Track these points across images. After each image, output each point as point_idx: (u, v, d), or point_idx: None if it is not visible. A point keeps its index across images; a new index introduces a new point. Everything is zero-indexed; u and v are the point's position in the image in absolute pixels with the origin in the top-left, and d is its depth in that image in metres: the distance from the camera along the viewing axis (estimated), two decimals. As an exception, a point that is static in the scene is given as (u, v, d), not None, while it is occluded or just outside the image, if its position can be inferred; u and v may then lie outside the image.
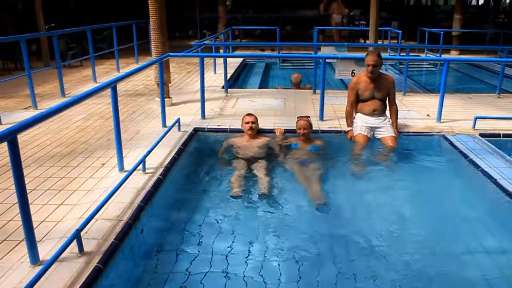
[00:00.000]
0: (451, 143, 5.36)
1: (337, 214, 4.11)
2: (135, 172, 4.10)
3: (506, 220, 3.90)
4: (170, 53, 6.59)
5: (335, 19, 16.10)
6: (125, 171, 4.20)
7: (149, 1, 6.84)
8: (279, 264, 3.32)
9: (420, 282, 3.20)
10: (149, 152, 4.44)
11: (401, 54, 10.96)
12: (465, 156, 4.93)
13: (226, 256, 3.39)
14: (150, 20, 6.95)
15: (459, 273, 3.32)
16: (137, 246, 3.32)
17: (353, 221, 4.02)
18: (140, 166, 4.21)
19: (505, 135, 5.59)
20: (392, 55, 11.98)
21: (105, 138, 5.38)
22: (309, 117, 5.38)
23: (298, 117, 5.36)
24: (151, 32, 7.01)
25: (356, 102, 5.51)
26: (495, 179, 4.26)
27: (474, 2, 28.87)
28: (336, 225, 3.94)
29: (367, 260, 3.41)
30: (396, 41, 13.52)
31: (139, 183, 3.98)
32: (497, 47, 12.42)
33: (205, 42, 9.96)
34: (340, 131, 5.66)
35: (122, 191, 3.71)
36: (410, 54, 12.36)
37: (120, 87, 8.29)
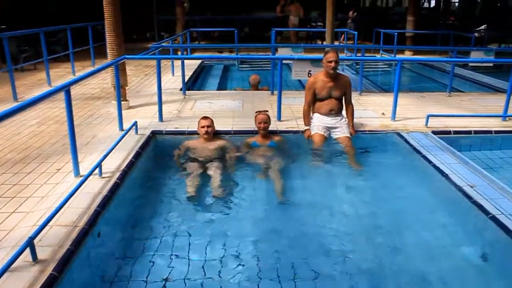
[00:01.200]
0: (405, 141, 5.55)
1: (295, 211, 4.20)
2: (91, 177, 4.04)
3: (456, 212, 4.08)
4: (126, 56, 6.51)
5: (293, 20, 16.30)
6: (81, 176, 4.12)
7: (103, 3, 6.74)
8: (239, 264, 3.35)
9: (378, 276, 3.30)
10: (105, 156, 4.38)
11: (357, 54, 11.21)
12: (419, 152, 5.13)
13: (186, 259, 3.39)
14: (105, 22, 6.83)
15: (415, 265, 3.44)
16: (94, 252, 3.28)
17: (311, 217, 4.11)
18: (97, 171, 4.15)
19: (455, 132, 5.82)
20: (348, 56, 12.25)
21: (60, 143, 5.26)
22: (267, 111, 5.44)
23: (256, 112, 5.42)
24: (107, 34, 6.89)
25: (314, 102, 5.60)
26: (446, 174, 4.46)
27: (426, 5, 29.79)
28: (294, 222, 4.01)
29: (326, 257, 3.49)
30: (352, 42, 13.80)
31: (96, 187, 3.92)
32: (448, 47, 12.88)
33: (163, 44, 9.89)
34: (297, 131, 5.74)
35: (77, 196, 3.65)
36: (366, 54, 12.67)
37: (76, 90, 8.15)
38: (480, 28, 19.66)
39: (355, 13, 16.90)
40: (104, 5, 6.73)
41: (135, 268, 3.28)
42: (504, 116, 6.39)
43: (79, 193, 3.68)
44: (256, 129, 5.39)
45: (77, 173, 4.22)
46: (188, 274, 3.21)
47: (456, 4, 28.98)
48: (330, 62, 5.34)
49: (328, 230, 3.89)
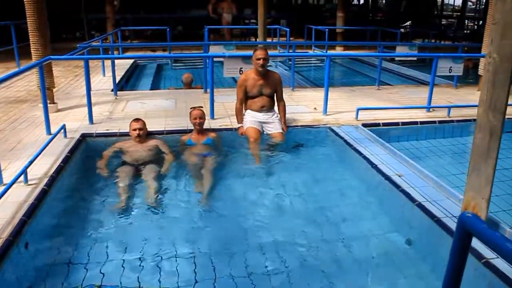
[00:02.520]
0: (336, 134, 5.69)
1: (231, 210, 4.23)
2: (16, 185, 3.83)
3: (386, 201, 4.25)
4: (51, 56, 6.23)
5: (226, 18, 16.30)
6: (4, 184, 3.90)
7: (25, 1, 6.41)
8: (175, 270, 3.30)
9: (314, 272, 3.36)
10: (31, 162, 4.17)
11: (290, 51, 11.39)
12: (350, 145, 5.28)
13: (119, 268, 3.31)
14: (28, 21, 6.49)
15: (348, 255, 3.56)
16: (21, 264, 3.12)
17: (246, 215, 4.13)
18: (22, 178, 3.95)
19: (384, 124, 6.05)
20: (281, 52, 12.42)
21: (-19, 150, 4.96)
22: (202, 107, 5.41)
23: (191, 108, 5.38)
24: (30, 34, 6.55)
25: (246, 99, 5.63)
26: (376, 165, 4.62)
27: (356, 2, 30.75)
28: (230, 222, 4.03)
29: (261, 254, 3.51)
30: (285, 39, 13.99)
31: (21, 196, 3.73)
32: (376, 42, 13.36)
33: (91, 44, 9.56)
34: (231, 129, 5.75)
35: (1, 206, 3.47)
36: (299, 50, 12.91)
37: (-1, 93, 7.73)
38: (405, 24, 20.59)
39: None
40: (25, 3, 6.40)
41: (65, 279, 3.15)
42: (428, 108, 6.73)
43: (2, 203, 3.49)
44: (190, 128, 5.34)
45: (0, 181, 4.00)
46: (122, 283, 3.13)
47: (384, 1, 30.18)
48: (259, 59, 5.38)
49: (262, 226, 3.93)
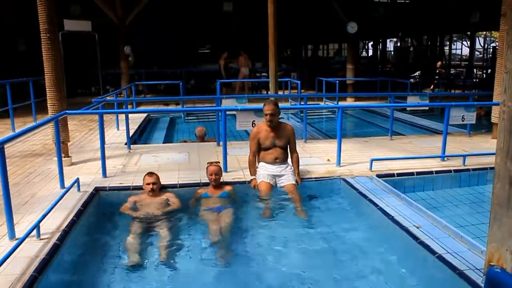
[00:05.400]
0: (351, 185, 5.60)
1: (245, 265, 4.10)
2: (28, 239, 3.80)
3: (405, 254, 4.11)
4: (67, 111, 6.36)
5: (243, 72, 16.70)
6: (16, 239, 3.87)
7: (43, 58, 6.62)
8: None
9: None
10: (44, 216, 4.16)
11: (301, 103, 11.51)
12: (365, 196, 5.17)
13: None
14: (46, 77, 6.68)
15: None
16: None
17: (263, 270, 4.03)
18: (34, 232, 3.92)
19: (399, 174, 5.96)
20: (293, 105, 12.55)
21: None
22: (219, 162, 5.41)
23: (208, 163, 5.39)
24: (47, 89, 6.72)
25: (259, 151, 5.63)
26: (392, 216, 4.51)
27: (364, 54, 31.41)
28: (245, 278, 3.92)
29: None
30: (296, 91, 14.20)
31: (33, 251, 3.69)
32: (387, 93, 13.47)
33: (106, 98, 9.77)
34: (244, 182, 5.71)
35: (12, 261, 3.43)
36: (311, 102, 13.04)
37: (15, 147, 7.86)
38: (415, 74, 20.85)
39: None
40: (44, 60, 6.62)
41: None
42: (443, 157, 6.67)
43: (13, 258, 3.45)
44: (203, 181, 5.32)
45: (12, 235, 3.96)
46: None
47: (392, 52, 30.75)
48: (266, 115, 5.46)
49: (279, 280, 3.81)
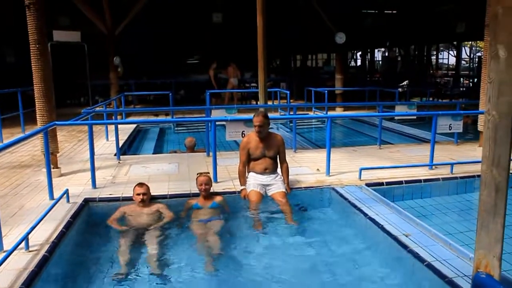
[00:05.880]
0: (340, 195, 5.63)
1: (235, 276, 4.09)
2: (16, 251, 3.78)
3: (394, 262, 4.13)
4: (56, 122, 6.34)
5: (232, 82, 16.74)
6: (4, 251, 3.84)
7: (32, 69, 6.60)
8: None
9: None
10: (33, 227, 4.13)
11: (291, 113, 11.55)
12: (354, 205, 5.20)
13: None
14: (35, 88, 6.64)
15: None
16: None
17: (254, 280, 4.03)
18: (23, 244, 3.89)
19: (388, 183, 6.01)
20: (282, 115, 12.60)
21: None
22: (209, 173, 5.42)
23: (198, 174, 5.39)
24: (36, 100, 6.68)
25: (248, 161, 5.65)
26: (382, 225, 4.54)
27: (353, 64, 31.67)
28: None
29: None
30: (285, 101, 14.26)
31: (21, 263, 3.66)
32: (375, 103, 13.57)
33: (96, 109, 9.74)
34: (234, 192, 5.72)
35: (0, 274, 3.40)
36: (300, 112, 13.11)
37: (3, 159, 7.77)
38: (403, 83, 21.06)
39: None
40: (33, 70, 6.59)
41: None
42: (431, 165, 6.73)
43: (1, 270, 3.43)
44: (193, 191, 5.31)
45: (0, 248, 3.93)
46: None
47: (380, 62, 31.05)
48: (255, 126, 5.51)
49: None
